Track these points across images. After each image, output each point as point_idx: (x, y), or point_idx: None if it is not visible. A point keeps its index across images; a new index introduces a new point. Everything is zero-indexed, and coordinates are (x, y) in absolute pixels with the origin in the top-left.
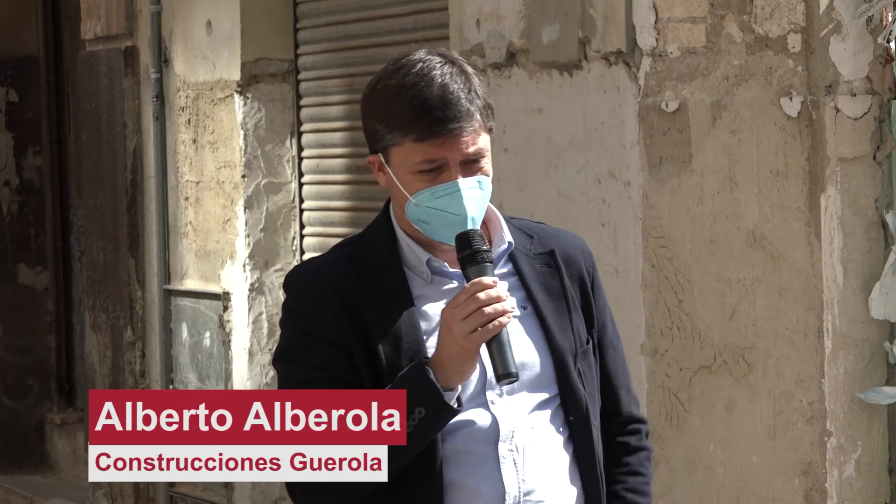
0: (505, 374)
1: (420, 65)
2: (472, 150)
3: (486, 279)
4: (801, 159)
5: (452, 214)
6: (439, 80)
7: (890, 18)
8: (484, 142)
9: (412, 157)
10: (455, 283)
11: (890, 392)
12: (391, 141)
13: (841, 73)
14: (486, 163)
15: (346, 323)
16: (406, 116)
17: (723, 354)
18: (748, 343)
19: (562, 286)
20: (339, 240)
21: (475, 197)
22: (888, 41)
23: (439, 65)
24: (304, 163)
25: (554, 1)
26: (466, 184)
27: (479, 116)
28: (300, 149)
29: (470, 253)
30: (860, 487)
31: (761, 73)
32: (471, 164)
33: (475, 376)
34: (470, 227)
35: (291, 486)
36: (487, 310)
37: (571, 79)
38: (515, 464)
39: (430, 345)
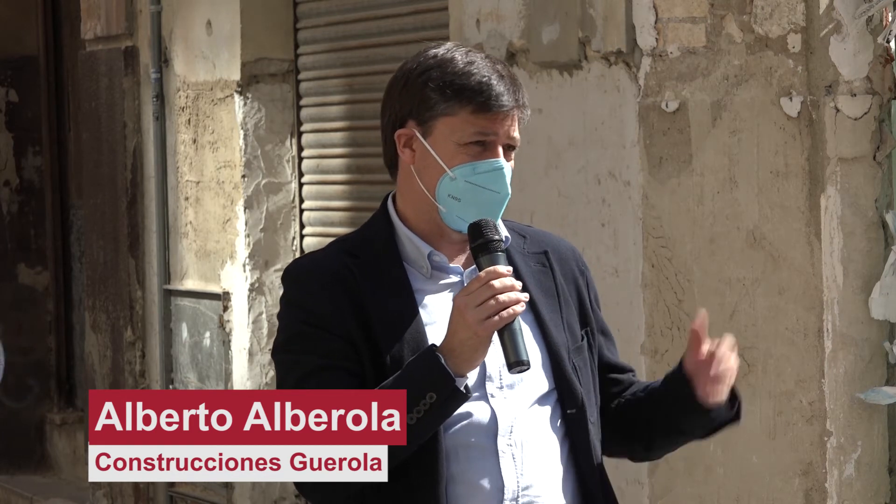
0: (517, 361)
1: (466, 51)
2: (515, 134)
3: (501, 267)
4: (801, 159)
5: (491, 191)
6: (492, 65)
7: (890, 18)
8: (518, 133)
9: (465, 129)
10: (454, 278)
11: (890, 392)
12: (444, 110)
13: (841, 73)
14: (513, 156)
15: (348, 313)
16: (470, 87)
17: None
18: (748, 343)
19: (554, 285)
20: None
21: (509, 181)
22: (888, 41)
23: (481, 55)
24: (304, 163)
25: (554, 1)
26: (507, 165)
27: (526, 106)
28: (300, 149)
29: (483, 242)
30: (860, 487)
31: (761, 73)
32: (508, 150)
33: (474, 370)
34: (504, 206)
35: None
36: (502, 297)
37: (571, 79)
38: (514, 458)
39: (431, 337)
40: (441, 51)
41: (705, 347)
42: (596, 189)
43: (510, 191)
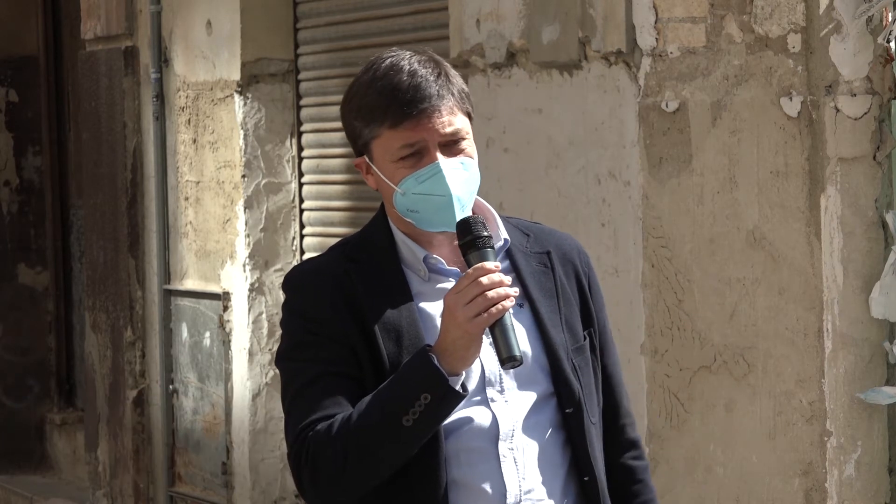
0: (509, 357)
1: (390, 59)
2: (448, 130)
3: (489, 264)
4: (801, 159)
5: (438, 196)
6: (408, 68)
7: (890, 18)
8: (462, 123)
9: (392, 145)
10: (452, 282)
11: (890, 392)
12: (370, 134)
13: (841, 73)
14: (468, 145)
15: (348, 320)
16: (379, 105)
17: (723, 354)
18: (748, 343)
19: (554, 286)
20: (338, 239)
21: (460, 178)
22: (888, 41)
23: (409, 56)
24: (304, 163)
25: (554, 1)
26: (448, 164)
27: (451, 98)
28: (300, 149)
29: (471, 239)
30: (860, 487)
31: (761, 73)
32: (451, 146)
33: (475, 374)
34: (457, 207)
35: (300, 480)
36: (490, 294)
37: (571, 79)
38: (516, 462)
39: (429, 340)
40: (365, 69)
41: None
42: (596, 189)
43: (453, 191)
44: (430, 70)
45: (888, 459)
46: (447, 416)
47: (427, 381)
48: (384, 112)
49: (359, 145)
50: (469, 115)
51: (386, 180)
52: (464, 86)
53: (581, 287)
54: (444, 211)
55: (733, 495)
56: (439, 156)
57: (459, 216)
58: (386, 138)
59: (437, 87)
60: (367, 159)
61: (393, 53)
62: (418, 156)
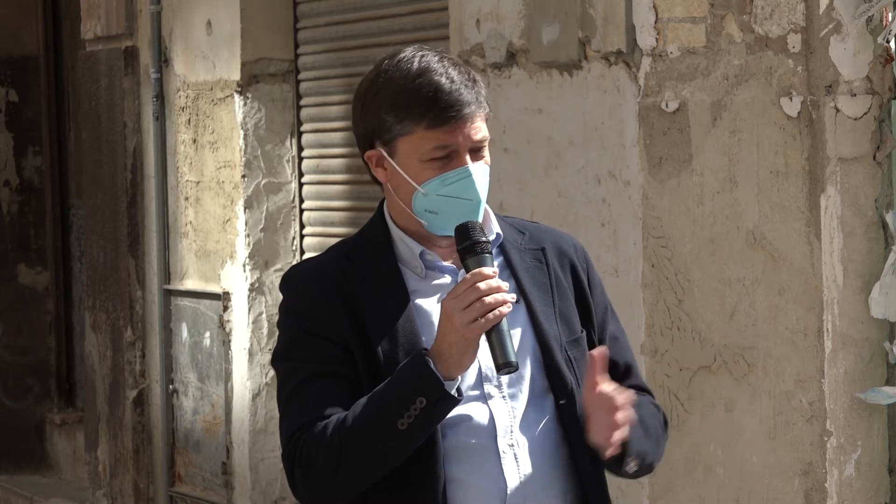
0: (505, 363)
1: (420, 56)
2: (479, 136)
3: (486, 269)
4: (801, 159)
5: (465, 199)
6: (443, 70)
7: (890, 18)
8: (486, 131)
9: (424, 145)
10: (447, 278)
11: (890, 392)
12: (401, 131)
13: (841, 73)
14: (487, 152)
15: (344, 319)
16: (419, 104)
17: (723, 354)
18: (748, 343)
19: (549, 280)
20: (338, 240)
21: (484, 183)
22: (888, 41)
23: (437, 57)
24: (304, 163)
25: (554, 1)
26: (476, 169)
27: (482, 105)
28: (300, 149)
29: (469, 244)
30: (860, 487)
31: (761, 73)
32: (476, 153)
33: (472, 371)
34: (481, 211)
35: (293, 479)
36: (488, 299)
37: (571, 79)
38: (516, 458)
39: (425, 338)
40: (393, 63)
41: (602, 383)
42: (596, 189)
43: (482, 196)
44: (466, 76)
45: (888, 459)
46: (441, 419)
47: (422, 384)
48: (424, 112)
49: (382, 139)
50: (487, 120)
51: (408, 178)
52: (484, 90)
53: (578, 281)
54: (467, 214)
55: (733, 495)
56: (469, 161)
57: (479, 220)
58: (419, 137)
59: (474, 94)
60: (385, 153)
61: (419, 52)
62: (447, 158)
